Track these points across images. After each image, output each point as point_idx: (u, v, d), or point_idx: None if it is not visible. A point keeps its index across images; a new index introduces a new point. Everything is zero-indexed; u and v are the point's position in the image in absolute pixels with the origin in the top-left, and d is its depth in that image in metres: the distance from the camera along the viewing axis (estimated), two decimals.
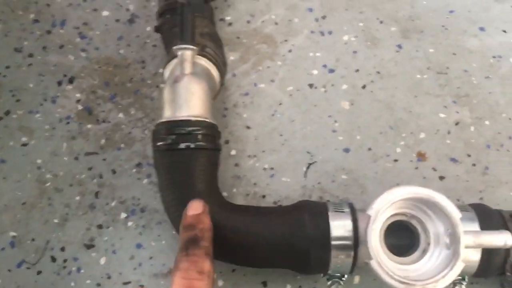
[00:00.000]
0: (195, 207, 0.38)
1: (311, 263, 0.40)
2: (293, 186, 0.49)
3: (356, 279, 0.46)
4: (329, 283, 0.42)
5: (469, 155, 0.51)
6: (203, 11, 0.51)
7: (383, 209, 0.39)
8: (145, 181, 0.49)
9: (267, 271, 0.46)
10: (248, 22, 0.57)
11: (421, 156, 0.51)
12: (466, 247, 0.38)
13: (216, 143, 0.44)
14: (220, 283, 0.45)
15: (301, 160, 0.50)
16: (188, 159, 0.42)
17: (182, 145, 0.41)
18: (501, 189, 0.49)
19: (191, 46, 0.44)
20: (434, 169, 0.50)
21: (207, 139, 0.43)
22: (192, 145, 0.42)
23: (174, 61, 0.46)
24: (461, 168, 0.50)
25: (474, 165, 0.50)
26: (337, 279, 0.42)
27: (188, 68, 0.44)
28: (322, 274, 0.42)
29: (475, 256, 0.40)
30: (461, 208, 0.41)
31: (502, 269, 0.41)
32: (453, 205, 0.38)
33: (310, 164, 0.50)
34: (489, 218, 0.41)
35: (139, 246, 0.47)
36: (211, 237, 0.37)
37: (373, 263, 0.37)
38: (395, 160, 0.50)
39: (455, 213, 0.38)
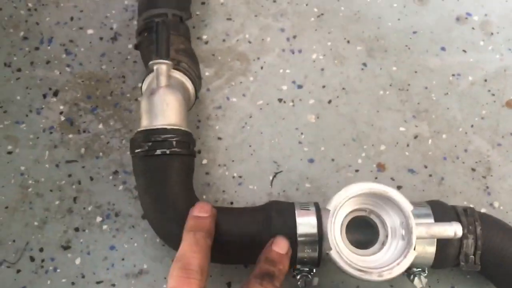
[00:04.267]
0: (283, 245, 0.42)
1: None
2: (259, 194, 0.52)
3: (315, 281, 0.49)
4: (298, 277, 0.45)
5: (426, 167, 0.54)
6: (179, 29, 0.55)
7: (341, 203, 0.42)
8: (121, 187, 0.52)
9: (232, 272, 0.49)
10: (223, 40, 0.61)
11: (381, 167, 0.54)
12: (419, 237, 0.41)
13: (190, 150, 0.48)
14: None
15: (268, 170, 0.54)
16: (164, 165, 0.46)
17: (158, 152, 0.45)
18: (455, 199, 0.52)
19: (166, 61, 0.48)
20: (393, 179, 0.53)
21: (181, 146, 0.46)
22: (167, 151, 0.45)
23: (151, 75, 0.50)
24: (418, 178, 0.53)
25: (430, 175, 0.53)
26: (305, 273, 0.45)
27: (163, 81, 0.48)
28: (292, 270, 0.45)
29: (431, 249, 0.43)
30: (418, 204, 0.45)
31: (457, 260, 0.44)
32: (404, 198, 0.42)
33: (276, 173, 0.54)
34: (443, 212, 0.44)
35: (112, 248, 0.50)
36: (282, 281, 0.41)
37: (333, 253, 0.41)
38: (356, 170, 0.54)
39: (407, 206, 0.41)
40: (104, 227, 0.51)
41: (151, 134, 0.45)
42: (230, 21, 0.63)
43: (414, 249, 0.41)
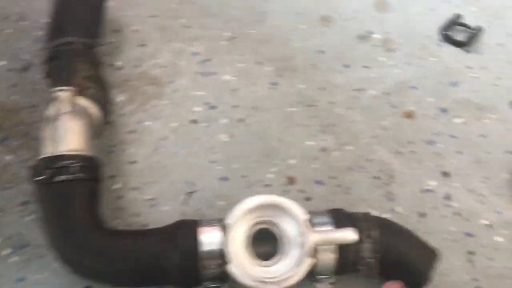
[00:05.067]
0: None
1: (185, 275, 0.44)
2: (173, 214, 0.53)
3: None
4: None
5: (333, 178, 0.56)
6: (87, 57, 0.55)
7: (240, 217, 0.43)
8: (30, 218, 0.52)
9: None
10: (137, 66, 0.62)
11: (291, 180, 0.56)
12: (318, 244, 0.43)
13: (95, 174, 0.48)
14: None
15: (182, 190, 0.55)
16: (66, 191, 0.46)
17: (60, 178, 0.45)
18: (361, 206, 0.54)
19: (68, 88, 0.49)
20: (302, 191, 0.55)
21: (84, 171, 0.46)
22: (69, 177, 0.45)
23: (54, 102, 0.50)
24: (326, 189, 0.56)
25: (338, 186, 0.56)
26: None
27: (65, 108, 0.48)
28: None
29: (332, 255, 0.44)
30: (317, 213, 0.47)
31: (357, 264, 0.46)
32: (298, 207, 0.44)
33: (190, 192, 0.55)
34: (342, 219, 0.46)
35: (21, 279, 0.49)
36: None
37: (231, 266, 0.42)
38: (267, 185, 0.55)
39: (300, 215, 0.43)
40: (14, 258, 0.50)
41: (53, 160, 0.45)
42: (143, 47, 0.64)
43: (313, 257, 0.42)
